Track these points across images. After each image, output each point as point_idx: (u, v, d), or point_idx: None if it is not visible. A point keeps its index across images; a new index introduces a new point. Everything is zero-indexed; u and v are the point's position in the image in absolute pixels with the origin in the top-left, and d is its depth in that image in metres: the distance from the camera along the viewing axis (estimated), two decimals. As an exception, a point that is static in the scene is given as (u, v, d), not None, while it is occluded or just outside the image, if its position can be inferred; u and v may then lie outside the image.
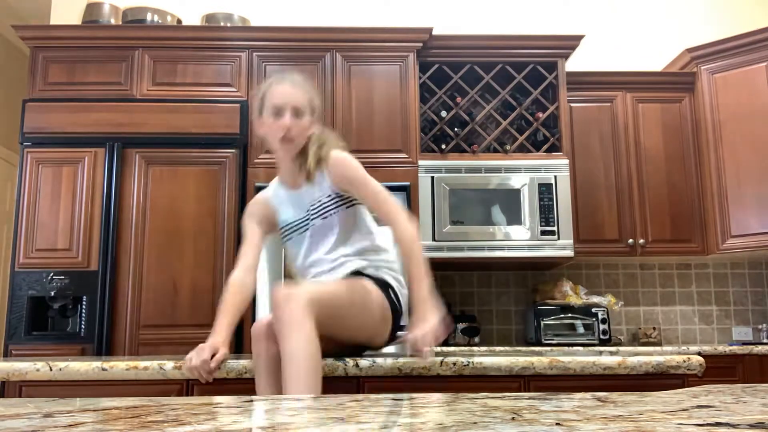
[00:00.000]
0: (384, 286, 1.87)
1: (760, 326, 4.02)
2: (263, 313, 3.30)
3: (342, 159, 1.91)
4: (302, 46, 3.65)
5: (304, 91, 1.92)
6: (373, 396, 1.06)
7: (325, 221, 1.91)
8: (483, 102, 3.88)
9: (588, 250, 3.81)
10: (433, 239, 3.55)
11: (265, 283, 3.34)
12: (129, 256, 3.35)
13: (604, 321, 3.66)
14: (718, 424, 0.48)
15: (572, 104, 3.94)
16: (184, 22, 4.09)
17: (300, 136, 1.89)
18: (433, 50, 3.77)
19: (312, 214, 1.93)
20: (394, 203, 1.89)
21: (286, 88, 1.90)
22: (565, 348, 3.44)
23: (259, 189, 3.44)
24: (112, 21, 3.85)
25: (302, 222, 1.95)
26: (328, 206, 1.91)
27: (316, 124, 1.97)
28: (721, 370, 3.32)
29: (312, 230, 1.93)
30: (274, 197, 2.03)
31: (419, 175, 3.56)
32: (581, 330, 3.66)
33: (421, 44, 3.68)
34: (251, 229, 2.01)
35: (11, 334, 3.27)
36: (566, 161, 3.68)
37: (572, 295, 3.74)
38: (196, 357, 1.69)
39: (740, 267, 4.17)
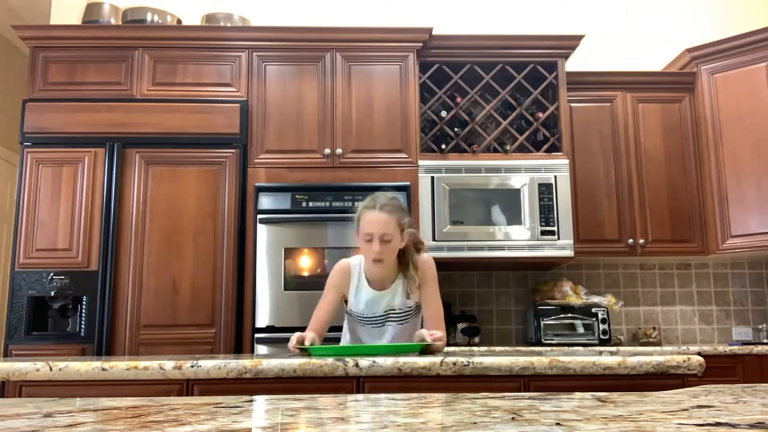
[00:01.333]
0: None
1: (760, 326, 4.02)
2: (263, 317, 3.31)
3: (429, 262, 2.32)
4: (302, 46, 3.65)
5: (391, 218, 2.20)
6: (373, 396, 1.06)
7: (402, 326, 2.29)
8: (483, 102, 3.88)
9: (588, 250, 3.81)
10: (433, 239, 3.55)
11: (266, 289, 3.34)
12: (129, 256, 3.35)
13: (604, 321, 3.66)
14: (718, 424, 0.48)
15: (572, 104, 3.94)
16: (184, 22, 4.09)
17: (389, 259, 2.23)
18: (433, 50, 3.77)
19: (390, 318, 2.29)
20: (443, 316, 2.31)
21: (375, 216, 2.20)
22: (565, 348, 3.44)
23: (259, 189, 3.46)
24: (112, 21, 3.85)
25: (378, 320, 2.30)
26: (407, 315, 2.29)
27: (407, 235, 2.26)
28: (721, 370, 3.32)
29: (391, 329, 2.29)
30: (356, 283, 2.31)
31: (419, 175, 3.56)
32: (581, 330, 3.66)
33: (421, 44, 3.68)
34: (332, 297, 2.31)
35: (11, 334, 3.27)
36: (566, 161, 3.68)
37: (572, 295, 3.74)
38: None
39: (740, 267, 4.17)
